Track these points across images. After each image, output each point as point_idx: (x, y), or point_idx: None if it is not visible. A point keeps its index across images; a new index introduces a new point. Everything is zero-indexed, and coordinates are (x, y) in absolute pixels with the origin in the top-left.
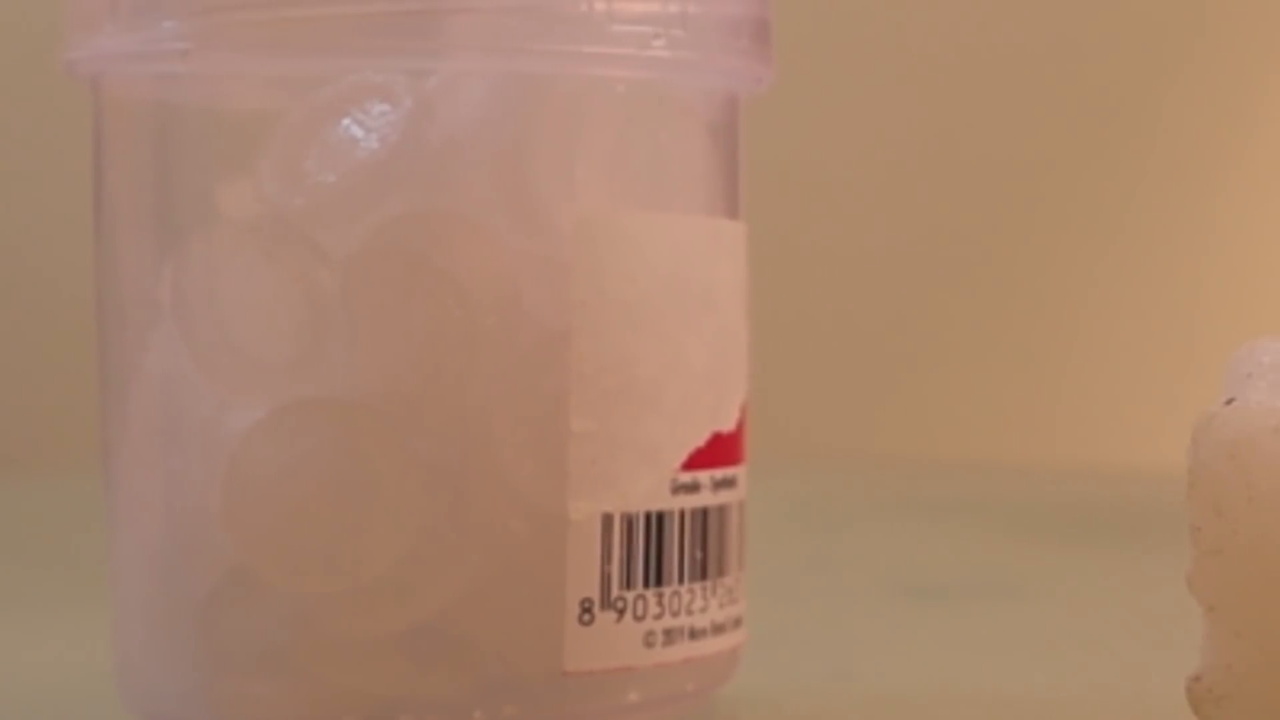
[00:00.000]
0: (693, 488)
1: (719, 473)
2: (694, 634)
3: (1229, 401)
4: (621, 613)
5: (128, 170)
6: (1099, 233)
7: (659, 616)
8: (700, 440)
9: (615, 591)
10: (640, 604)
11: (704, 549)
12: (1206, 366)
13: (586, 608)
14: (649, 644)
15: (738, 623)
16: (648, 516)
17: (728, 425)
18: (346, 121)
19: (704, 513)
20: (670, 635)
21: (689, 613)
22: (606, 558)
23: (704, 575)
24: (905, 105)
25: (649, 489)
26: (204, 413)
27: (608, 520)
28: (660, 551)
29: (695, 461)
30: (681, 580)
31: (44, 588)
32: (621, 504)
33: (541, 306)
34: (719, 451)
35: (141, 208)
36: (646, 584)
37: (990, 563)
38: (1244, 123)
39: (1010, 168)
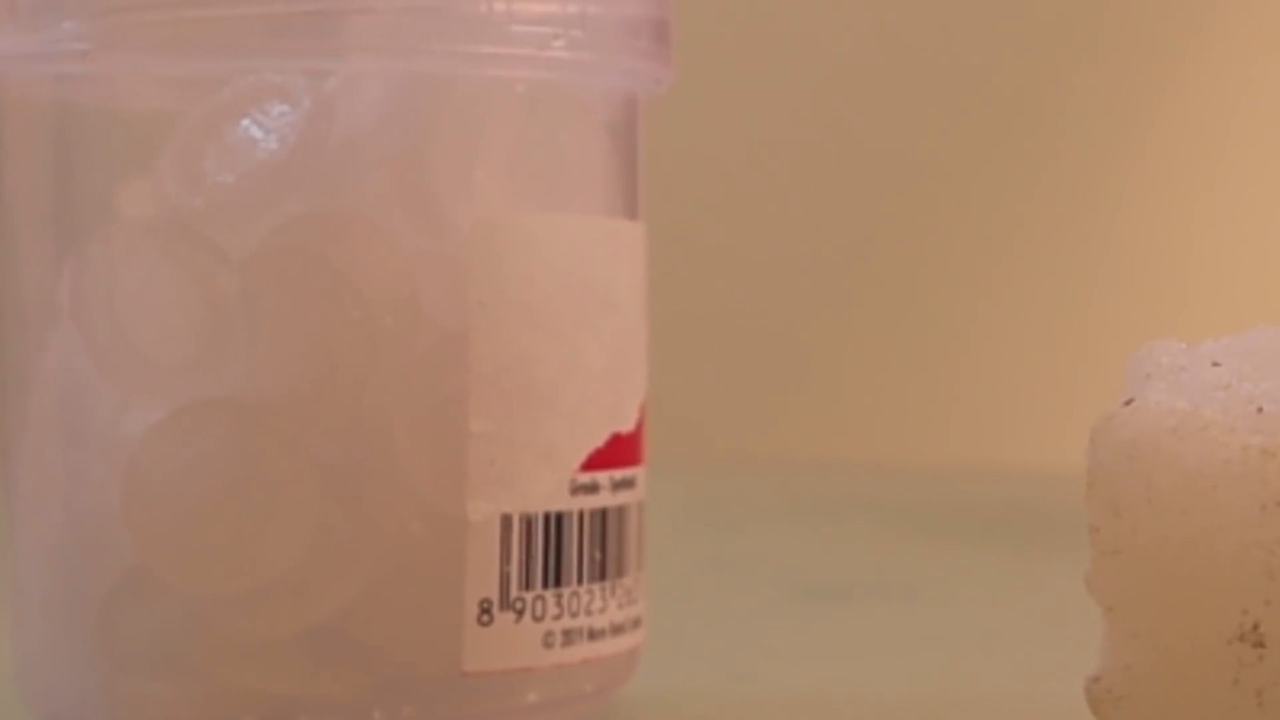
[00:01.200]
0: (592, 488)
1: (618, 473)
2: (593, 635)
3: (1128, 402)
4: (520, 613)
5: (27, 170)
6: (997, 232)
7: (558, 617)
8: (599, 441)
9: (514, 592)
10: (539, 605)
11: (603, 550)
12: (1106, 367)
13: (485, 608)
14: (548, 644)
15: (637, 623)
16: (547, 517)
17: (627, 426)
18: (246, 122)
19: (603, 513)
20: (569, 636)
21: (588, 613)
22: (505, 558)
23: (603, 576)
24: (803, 106)
25: (548, 490)
26: (103, 413)
27: (506, 521)
28: (559, 552)
29: (594, 462)
30: (580, 581)
31: None
32: (520, 504)
33: (440, 307)
34: (618, 452)
35: (41, 208)
36: (545, 585)
37: (888, 563)
38: (1142, 122)
39: (906, 168)
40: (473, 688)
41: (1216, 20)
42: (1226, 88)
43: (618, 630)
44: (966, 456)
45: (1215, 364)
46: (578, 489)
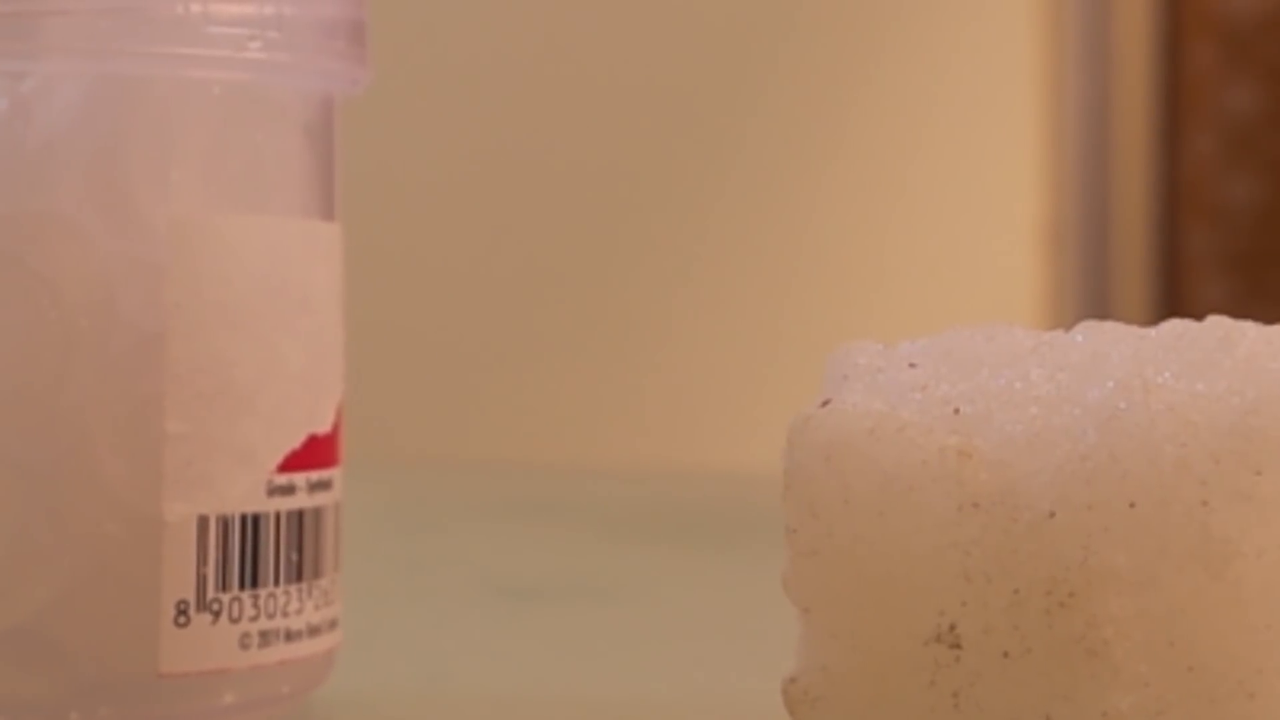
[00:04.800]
0: (288, 490)
1: (315, 475)
2: (290, 636)
3: (825, 403)
4: (217, 615)
5: None
6: (691, 235)
7: (255, 618)
8: (296, 442)
9: (211, 593)
10: (236, 606)
11: (300, 551)
12: (802, 368)
13: (182, 610)
14: (244, 646)
15: (333, 625)
16: (243, 518)
17: (323, 427)
18: None
19: (300, 515)
20: (266, 637)
21: (285, 615)
22: (202, 559)
23: (300, 577)
24: (500, 108)
25: (245, 491)
26: None
27: (203, 522)
28: (256, 553)
29: (291, 463)
30: (277, 582)
31: None
32: (217, 506)
33: (136, 308)
34: (315, 453)
35: None
36: (242, 586)
37: (585, 564)
38: (837, 126)
39: (604, 172)
40: (169, 689)
41: (905, 28)
42: (918, 92)
43: (314, 631)
44: (663, 458)
45: (912, 365)
46: (274, 490)
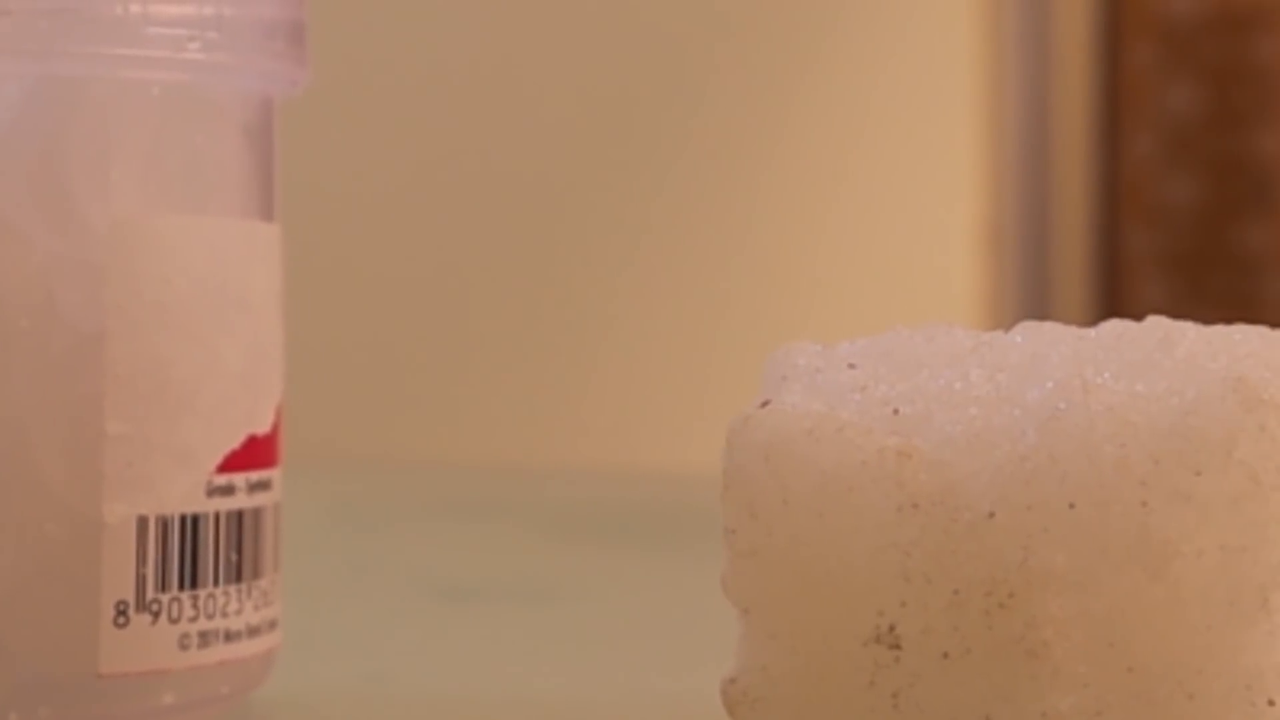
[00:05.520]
0: (228, 490)
1: (254, 475)
2: (229, 636)
3: (764, 404)
4: (157, 615)
5: None
6: (630, 236)
7: (194, 619)
8: (235, 443)
9: (150, 594)
10: (175, 606)
11: (239, 552)
12: (742, 369)
13: (121, 610)
14: (184, 646)
15: (273, 625)
16: (183, 519)
17: (263, 428)
18: None
19: (239, 515)
20: (205, 638)
21: (224, 615)
22: (142, 560)
23: (239, 578)
24: (440, 110)
25: (184, 491)
26: None
27: (143, 522)
28: (195, 554)
29: (230, 464)
30: (217, 583)
31: None
32: (157, 506)
33: (76, 309)
34: (254, 454)
35: None
36: (182, 586)
37: (524, 565)
38: (777, 126)
39: (544, 173)
40: (109, 689)
41: (845, 28)
42: (857, 92)
43: (254, 632)
44: (603, 459)
45: (851, 366)
46: (214, 491)
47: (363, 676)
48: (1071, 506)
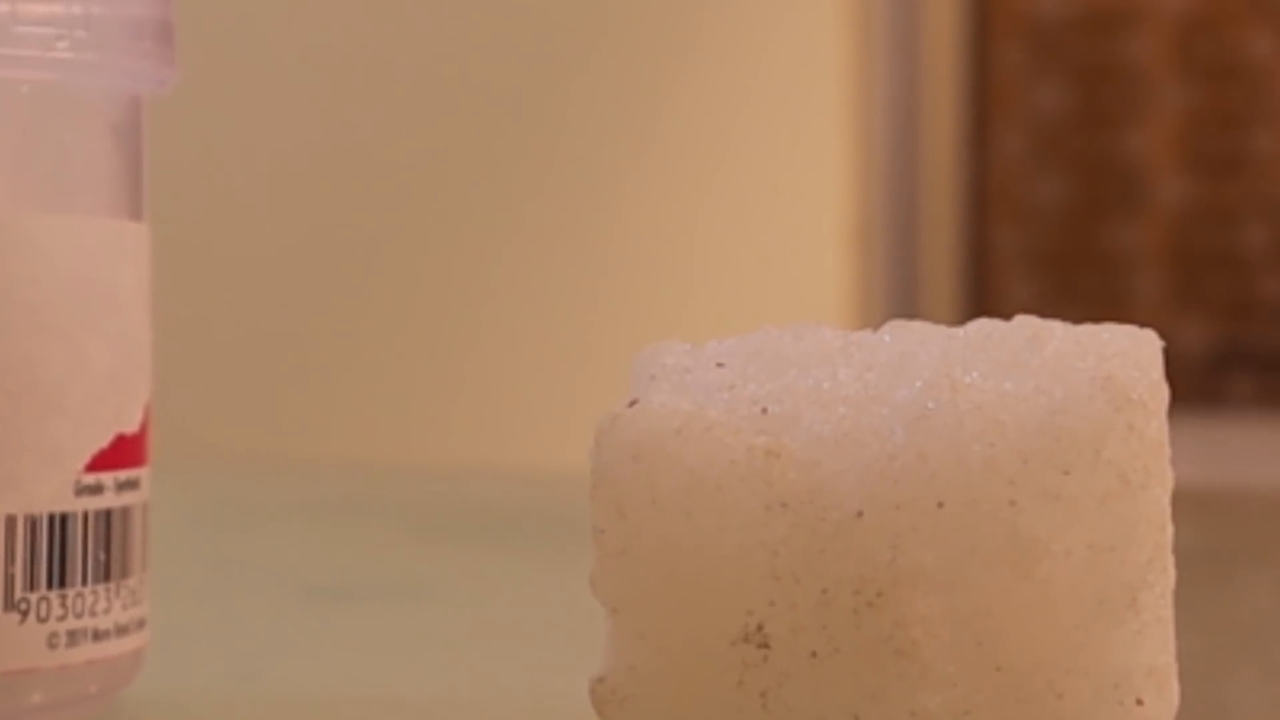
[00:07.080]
0: (96, 489)
1: (123, 474)
2: (98, 635)
3: (632, 403)
4: (25, 614)
5: None
6: (499, 233)
7: (62, 618)
8: (104, 442)
9: (19, 593)
10: (44, 605)
11: (108, 550)
12: (610, 368)
13: None
14: (52, 645)
15: (141, 624)
16: (51, 518)
17: (131, 427)
18: None
19: (108, 514)
20: (74, 637)
21: (93, 614)
22: (10, 559)
23: (108, 577)
24: (308, 108)
25: (53, 491)
26: None
27: (11, 522)
28: (64, 553)
29: (99, 463)
30: (85, 582)
31: None
32: (25, 506)
33: None
34: (123, 453)
35: None
36: (50, 585)
37: (394, 563)
38: (644, 124)
39: (412, 171)
40: None
41: (713, 28)
42: (725, 92)
43: (122, 631)
44: (473, 457)
45: (720, 365)
46: (82, 490)
47: (232, 676)
48: (940, 505)
